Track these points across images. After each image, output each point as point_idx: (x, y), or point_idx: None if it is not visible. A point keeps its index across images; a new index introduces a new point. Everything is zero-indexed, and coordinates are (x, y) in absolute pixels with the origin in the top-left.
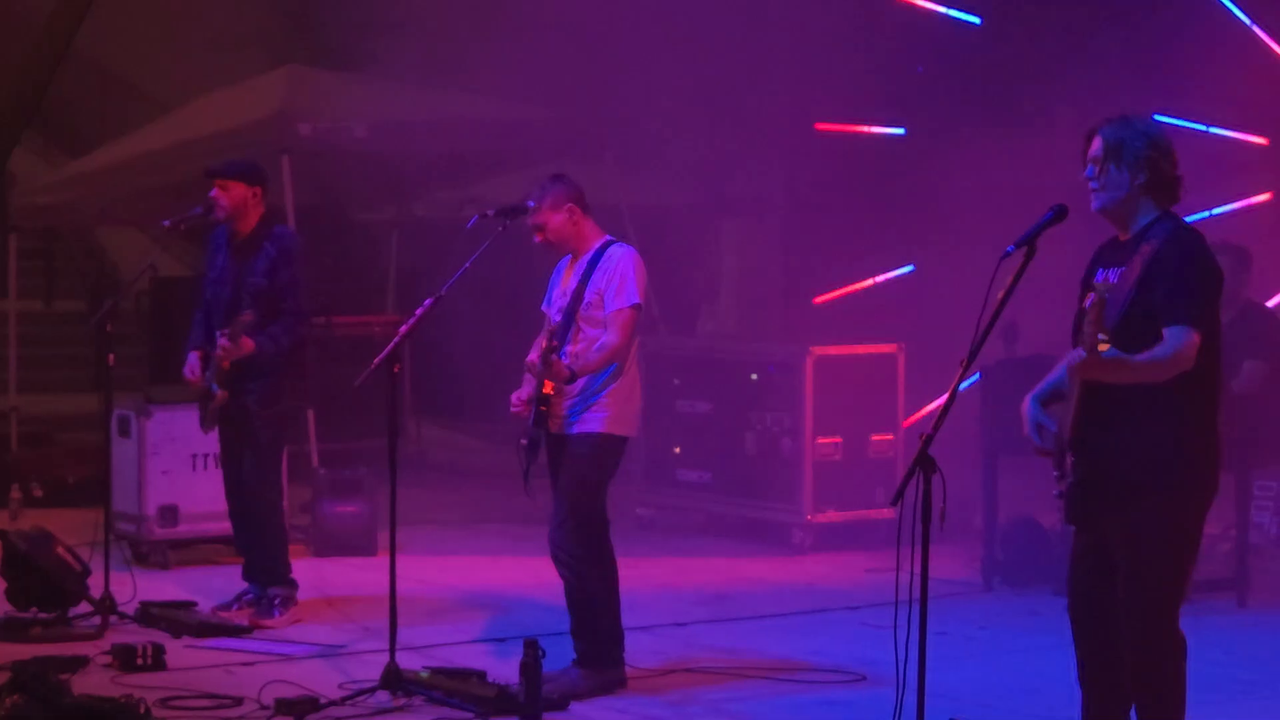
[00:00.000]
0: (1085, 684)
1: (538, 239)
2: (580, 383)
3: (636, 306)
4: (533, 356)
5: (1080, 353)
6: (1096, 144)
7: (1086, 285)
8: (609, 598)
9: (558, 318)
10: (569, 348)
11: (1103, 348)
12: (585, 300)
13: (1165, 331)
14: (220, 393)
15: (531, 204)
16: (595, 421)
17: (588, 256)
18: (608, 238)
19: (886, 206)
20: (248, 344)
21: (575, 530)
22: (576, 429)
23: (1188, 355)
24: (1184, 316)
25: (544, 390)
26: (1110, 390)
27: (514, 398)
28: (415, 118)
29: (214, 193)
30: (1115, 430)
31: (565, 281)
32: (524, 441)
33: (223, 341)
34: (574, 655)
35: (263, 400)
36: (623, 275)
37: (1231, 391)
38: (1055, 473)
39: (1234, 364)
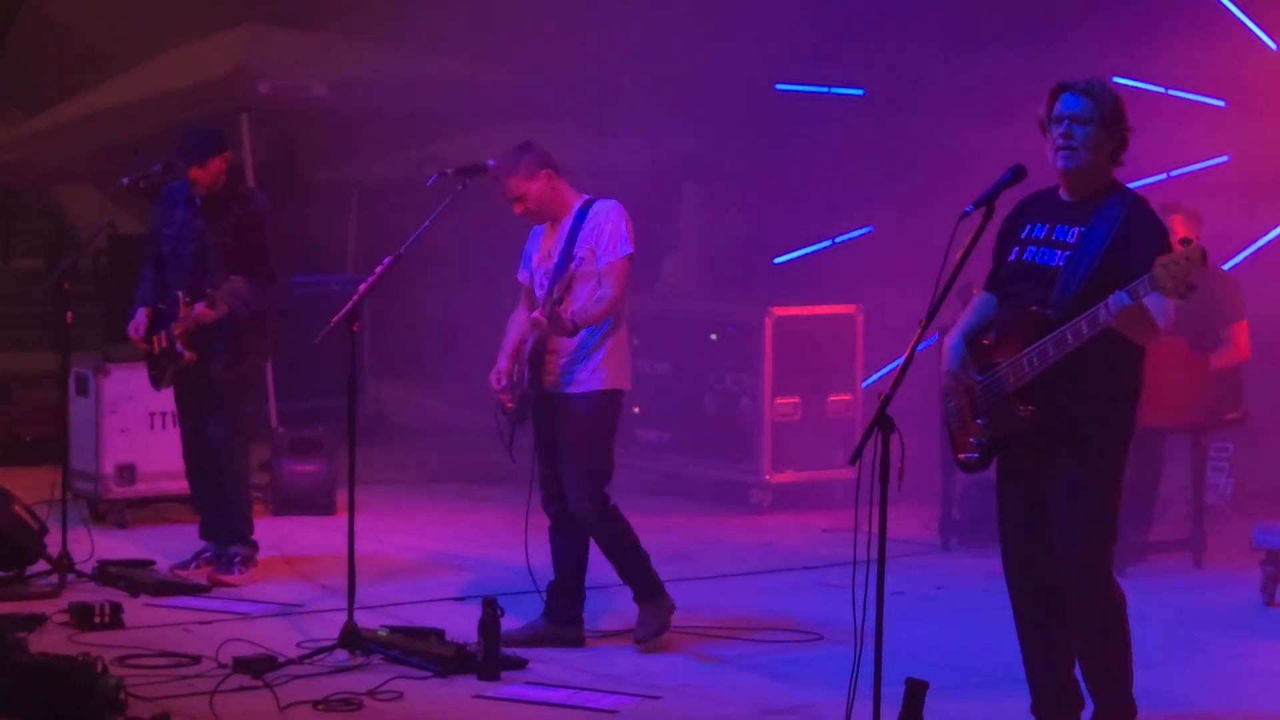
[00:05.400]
0: (1026, 642)
1: (518, 210)
2: (577, 339)
3: (630, 257)
4: (537, 314)
5: (1124, 297)
6: (1081, 104)
7: (1009, 237)
8: (631, 533)
9: (545, 282)
10: (560, 308)
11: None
12: (576, 257)
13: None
14: (188, 355)
15: (491, 163)
16: (595, 379)
17: (570, 218)
18: (586, 196)
19: (846, 167)
20: (217, 309)
21: (595, 490)
22: (578, 388)
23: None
24: None
25: (549, 346)
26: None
27: (493, 377)
28: (375, 76)
29: (194, 174)
30: (1051, 384)
31: (546, 246)
32: (510, 405)
33: (200, 307)
34: (632, 596)
35: (229, 361)
36: (614, 227)
37: (1222, 362)
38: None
39: (1186, 325)
